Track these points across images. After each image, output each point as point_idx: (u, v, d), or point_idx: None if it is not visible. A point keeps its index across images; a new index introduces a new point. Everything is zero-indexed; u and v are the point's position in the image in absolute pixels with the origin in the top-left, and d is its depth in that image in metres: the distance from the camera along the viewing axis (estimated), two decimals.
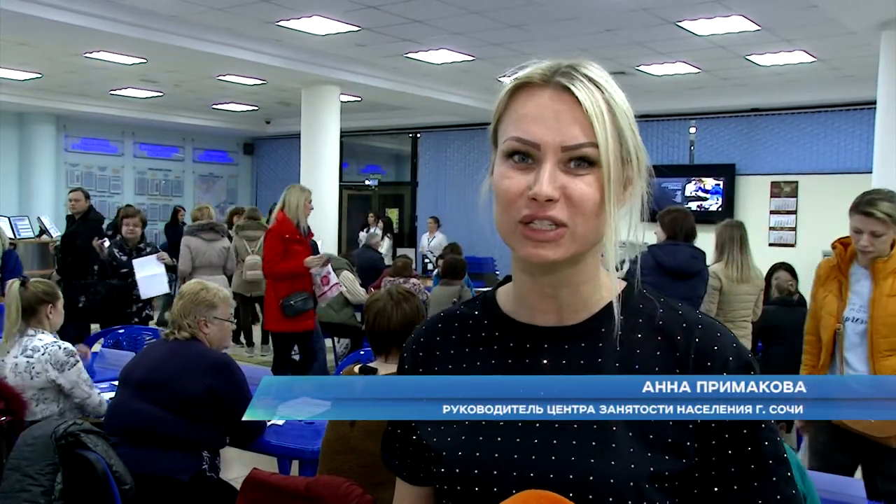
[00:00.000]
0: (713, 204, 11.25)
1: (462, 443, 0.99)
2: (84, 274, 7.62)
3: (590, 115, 0.91)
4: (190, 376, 3.06)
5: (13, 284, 3.48)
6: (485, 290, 9.07)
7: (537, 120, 0.93)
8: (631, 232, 1.00)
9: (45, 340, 3.40)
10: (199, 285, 3.34)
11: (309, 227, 5.99)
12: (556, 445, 0.94)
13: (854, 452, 3.16)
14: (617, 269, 1.00)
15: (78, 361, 3.39)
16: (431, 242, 12.18)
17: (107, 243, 6.33)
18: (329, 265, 6.06)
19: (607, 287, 1.01)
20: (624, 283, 1.03)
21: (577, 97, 0.92)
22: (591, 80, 0.93)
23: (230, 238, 8.39)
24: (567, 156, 0.92)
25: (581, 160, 0.92)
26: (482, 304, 1.09)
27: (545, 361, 1.00)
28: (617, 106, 0.94)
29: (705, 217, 9.97)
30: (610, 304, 1.00)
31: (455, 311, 1.11)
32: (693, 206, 11.20)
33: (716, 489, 0.95)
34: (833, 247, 3.27)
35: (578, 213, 0.92)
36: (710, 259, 5.11)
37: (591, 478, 0.91)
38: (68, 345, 3.44)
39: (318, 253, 6.17)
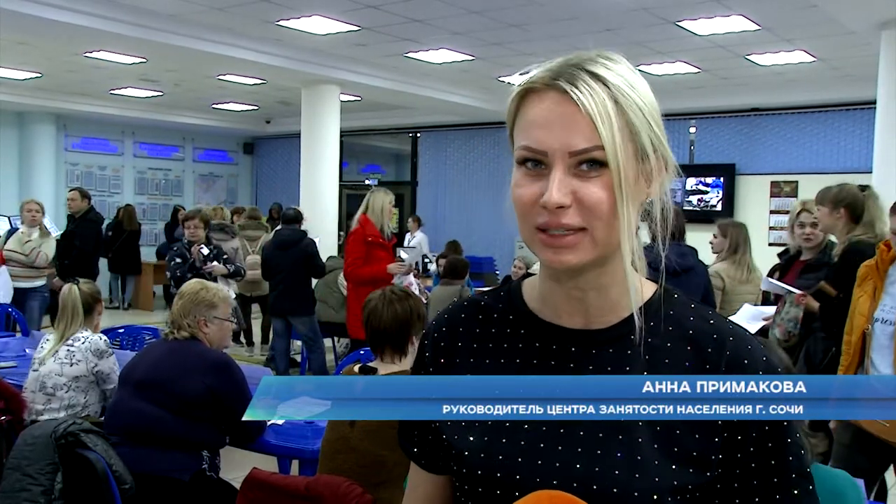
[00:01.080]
0: (713, 197, 11.23)
1: (485, 444, 0.97)
2: (85, 275, 7.58)
3: (593, 117, 0.89)
4: (190, 376, 3.07)
5: (72, 288, 3.72)
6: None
7: (543, 126, 0.91)
8: (657, 227, 0.98)
9: (85, 333, 3.64)
10: (199, 285, 3.35)
11: (392, 232, 5.82)
12: (581, 454, 0.93)
13: (875, 455, 3.12)
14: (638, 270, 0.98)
15: (113, 353, 3.66)
16: (411, 242, 11.98)
17: (205, 250, 6.15)
18: (411, 274, 5.87)
19: (638, 291, 0.98)
20: (654, 287, 1.02)
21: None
22: (597, 77, 0.91)
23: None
24: (576, 160, 0.90)
25: (592, 162, 0.90)
26: (507, 297, 1.07)
27: (571, 366, 0.98)
28: (627, 101, 0.91)
29: (705, 216, 9.97)
30: (640, 309, 0.98)
31: (479, 302, 1.08)
32: (693, 199, 11.20)
33: (738, 501, 0.95)
34: (877, 247, 3.23)
35: (594, 217, 0.90)
36: (711, 257, 5.11)
37: (615, 490, 0.90)
38: (106, 337, 3.71)
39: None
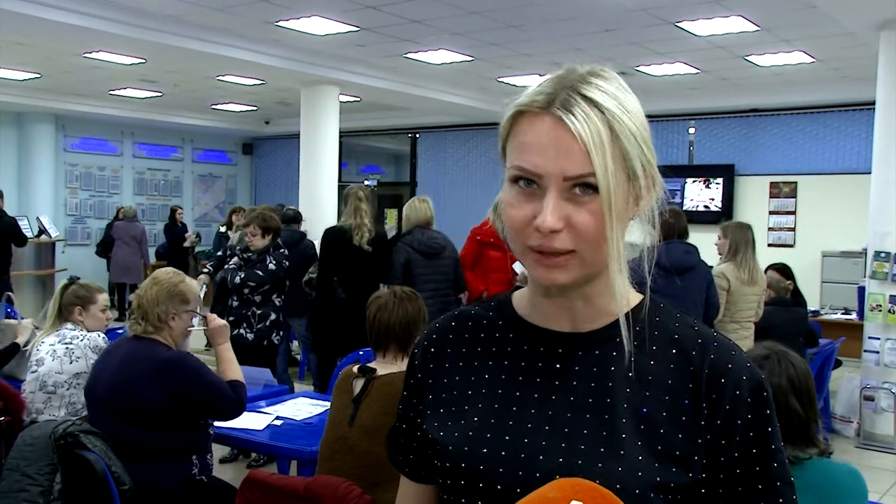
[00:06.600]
0: (716, 183, 11.20)
1: (469, 438, 0.99)
2: None
3: (587, 146, 0.90)
4: (144, 385, 2.90)
5: (62, 281, 3.75)
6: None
7: (537, 149, 0.92)
8: (645, 237, 1.01)
9: (83, 331, 3.62)
10: (179, 276, 3.16)
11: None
12: (565, 448, 0.95)
13: None
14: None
15: None
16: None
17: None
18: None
19: (625, 298, 1.01)
20: (640, 297, 1.05)
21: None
22: (591, 102, 0.92)
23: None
24: (570, 184, 0.92)
25: (586, 186, 0.92)
26: (497, 306, 1.10)
27: (558, 366, 1.01)
28: (621, 127, 0.92)
29: (704, 217, 9.97)
30: (626, 315, 1.00)
31: (469, 311, 1.12)
32: (697, 188, 11.18)
33: None
34: None
35: (584, 241, 0.92)
36: (715, 258, 5.12)
37: (598, 482, 0.91)
38: (105, 335, 3.66)
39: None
